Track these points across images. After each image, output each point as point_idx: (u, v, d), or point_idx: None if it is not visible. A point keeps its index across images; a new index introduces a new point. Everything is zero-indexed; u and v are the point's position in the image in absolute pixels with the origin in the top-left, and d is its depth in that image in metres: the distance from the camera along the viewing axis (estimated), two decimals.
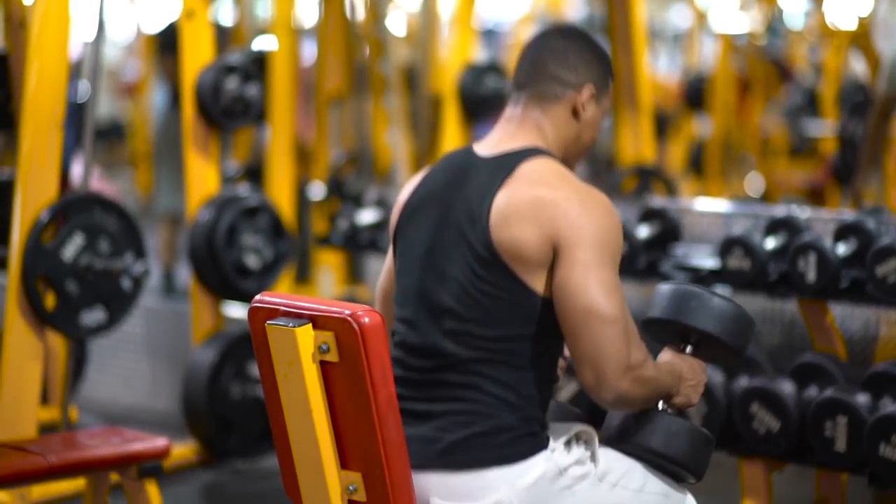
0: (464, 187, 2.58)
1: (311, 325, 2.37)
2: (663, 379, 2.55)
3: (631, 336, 2.45)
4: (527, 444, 2.51)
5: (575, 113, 2.67)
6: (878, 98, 5.49)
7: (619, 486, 2.58)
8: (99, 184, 7.49)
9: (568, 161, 2.69)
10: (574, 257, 2.44)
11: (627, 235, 4.33)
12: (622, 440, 2.65)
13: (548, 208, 2.47)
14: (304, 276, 7.03)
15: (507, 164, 2.57)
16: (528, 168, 2.55)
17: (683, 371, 2.63)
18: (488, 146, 2.66)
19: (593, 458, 2.59)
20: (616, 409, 2.62)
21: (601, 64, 2.70)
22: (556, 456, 2.53)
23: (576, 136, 2.69)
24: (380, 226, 5.34)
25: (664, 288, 2.70)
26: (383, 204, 5.38)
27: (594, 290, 2.42)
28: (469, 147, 2.69)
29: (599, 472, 2.57)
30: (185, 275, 7.12)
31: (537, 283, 2.49)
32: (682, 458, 2.63)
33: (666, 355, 2.67)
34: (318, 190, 6.75)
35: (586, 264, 2.43)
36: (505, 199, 2.51)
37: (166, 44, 7.54)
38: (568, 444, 2.58)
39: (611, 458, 2.61)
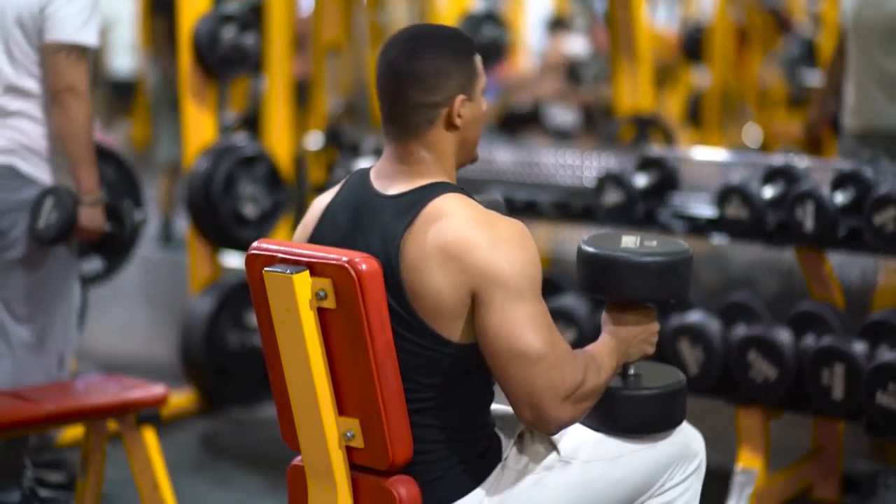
0: (368, 234, 2.45)
1: (308, 271, 2.36)
2: (606, 373, 2.45)
3: (563, 360, 2.34)
4: (483, 463, 2.47)
5: (451, 125, 2.49)
6: (840, 32, 5.24)
7: (594, 459, 2.53)
8: (98, 134, 7.46)
9: (463, 163, 2.55)
10: (491, 300, 2.32)
11: (625, 184, 4.32)
12: (586, 421, 2.58)
13: (457, 259, 2.34)
14: None
15: (409, 208, 2.42)
16: (431, 212, 2.40)
17: (630, 334, 2.54)
18: (385, 182, 2.52)
19: (552, 444, 2.53)
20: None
21: (461, 63, 2.47)
22: (511, 462, 2.50)
23: (461, 142, 2.52)
24: None
25: (584, 254, 2.57)
26: (380, 153, 5.35)
27: (516, 328, 2.31)
28: (367, 177, 2.56)
29: (565, 456, 2.52)
30: (183, 225, 7.11)
31: (455, 333, 2.38)
32: (649, 429, 2.58)
33: (604, 332, 2.56)
34: (315, 139, 6.73)
35: (503, 304, 2.32)
36: (414, 251, 2.37)
37: (158, 3, 7.53)
38: (521, 438, 2.54)
39: (578, 435, 2.56)
